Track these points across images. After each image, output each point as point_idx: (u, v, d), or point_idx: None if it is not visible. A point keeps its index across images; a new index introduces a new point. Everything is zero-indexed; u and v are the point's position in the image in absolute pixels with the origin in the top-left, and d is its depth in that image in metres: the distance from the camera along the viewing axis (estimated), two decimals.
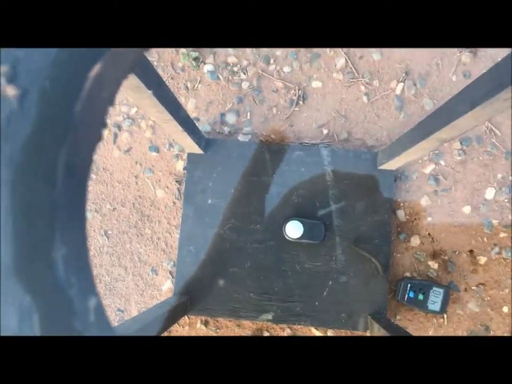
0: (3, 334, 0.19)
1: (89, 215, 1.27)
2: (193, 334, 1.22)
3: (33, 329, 0.19)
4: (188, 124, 1.02)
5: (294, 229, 1.18)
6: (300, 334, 1.20)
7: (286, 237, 1.19)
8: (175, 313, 1.06)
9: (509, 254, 1.20)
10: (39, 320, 0.19)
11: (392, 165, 1.16)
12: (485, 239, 1.21)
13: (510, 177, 1.22)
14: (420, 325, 1.19)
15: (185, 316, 1.22)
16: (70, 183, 0.21)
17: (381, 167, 1.20)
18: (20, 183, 0.19)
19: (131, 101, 1.29)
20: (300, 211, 1.21)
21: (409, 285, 1.17)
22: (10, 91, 0.20)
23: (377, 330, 1.12)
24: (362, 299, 1.18)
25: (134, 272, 1.25)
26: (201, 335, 1.22)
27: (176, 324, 1.22)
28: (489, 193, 1.22)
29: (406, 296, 1.17)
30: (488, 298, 1.19)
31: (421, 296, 1.17)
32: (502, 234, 1.21)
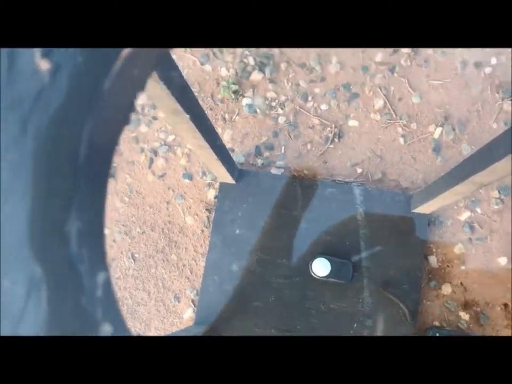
0: (6, 299, 0.19)
1: (118, 236, 1.28)
2: None
3: (40, 300, 0.18)
4: (222, 153, 1.03)
5: (321, 267, 1.16)
6: None
7: (313, 274, 1.16)
8: None
9: None
10: (47, 291, 0.19)
11: (426, 208, 1.13)
12: None
13: None
14: None
15: None
16: (93, 159, 0.21)
17: (414, 210, 1.17)
18: (43, 154, 0.19)
19: (169, 128, 1.32)
20: (328, 249, 1.19)
21: (437, 335, 1.12)
22: (44, 65, 0.20)
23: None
24: None
25: (157, 298, 1.24)
26: None
27: None
28: None
29: None
30: None
31: None
32: None
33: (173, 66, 0.63)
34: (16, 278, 0.18)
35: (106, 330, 0.21)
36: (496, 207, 1.20)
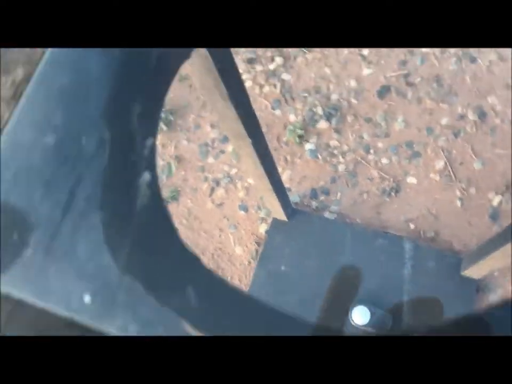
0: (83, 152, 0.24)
1: None
2: None
3: (104, 154, 0.24)
4: (279, 187, 1.09)
5: (360, 315, 1.15)
6: None
7: (352, 322, 1.16)
8: None
9: None
10: (109, 149, 0.24)
11: (476, 272, 1.11)
12: None
13: None
14: None
15: None
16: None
17: (463, 273, 1.15)
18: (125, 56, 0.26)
19: (234, 162, 1.40)
20: (369, 299, 1.18)
21: None
22: None
23: None
24: None
25: None
26: None
27: None
28: None
29: None
30: None
31: None
32: None
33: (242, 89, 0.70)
34: (90, 138, 0.24)
35: (146, 177, 0.26)
36: None
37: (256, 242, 1.32)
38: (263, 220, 1.34)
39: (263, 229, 1.33)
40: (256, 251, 1.31)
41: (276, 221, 1.29)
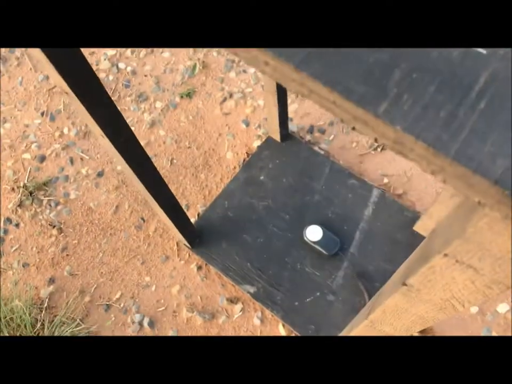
0: None
1: (169, 141, 1.49)
2: (184, 270, 1.32)
3: None
4: (282, 112, 1.24)
5: (314, 233, 1.27)
6: (266, 326, 1.25)
7: (304, 237, 1.28)
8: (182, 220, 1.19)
9: None
10: None
11: (424, 229, 1.23)
12: None
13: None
14: None
15: (188, 252, 1.34)
16: None
17: (415, 228, 1.27)
18: None
19: (252, 82, 1.53)
20: (327, 223, 1.30)
21: None
22: None
23: None
24: (335, 325, 1.20)
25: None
26: (191, 276, 1.31)
27: (177, 255, 1.34)
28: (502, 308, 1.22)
29: None
30: None
31: None
32: None
33: None
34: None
35: None
36: None
37: (246, 153, 1.45)
38: (259, 137, 1.47)
39: (256, 144, 1.46)
40: (244, 160, 1.44)
41: (269, 139, 1.42)
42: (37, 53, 0.58)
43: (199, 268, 1.33)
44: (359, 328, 0.64)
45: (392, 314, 0.46)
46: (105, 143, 0.82)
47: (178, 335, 1.25)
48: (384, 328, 0.52)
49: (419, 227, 1.26)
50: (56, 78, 0.64)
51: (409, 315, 0.43)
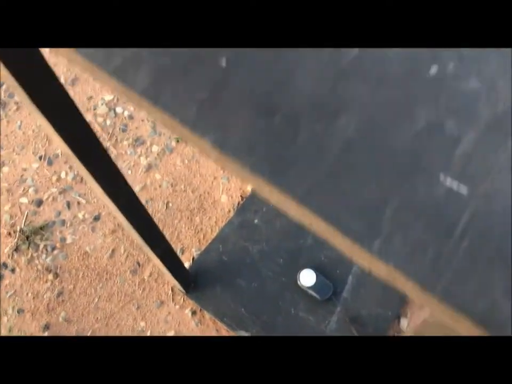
0: None
1: (164, 185, 1.51)
2: (179, 316, 1.33)
3: None
4: None
5: (307, 277, 1.30)
6: None
7: (298, 281, 1.30)
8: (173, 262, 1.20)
9: None
10: None
11: None
12: None
13: None
14: None
15: (183, 297, 1.35)
16: None
17: None
18: None
19: None
20: (320, 267, 1.33)
21: None
22: None
23: None
24: None
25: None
26: (186, 321, 1.33)
27: (171, 299, 1.35)
28: None
29: None
30: None
31: None
32: None
33: None
34: None
35: None
36: None
37: (241, 196, 1.48)
38: None
39: (250, 187, 1.49)
40: (239, 204, 1.47)
41: None
42: (40, 120, 0.60)
43: (194, 312, 1.34)
44: None
45: None
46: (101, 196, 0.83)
47: None
48: None
49: None
50: (63, 148, 0.66)
51: None
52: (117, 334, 1.32)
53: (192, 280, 1.32)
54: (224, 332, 1.31)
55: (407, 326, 1.28)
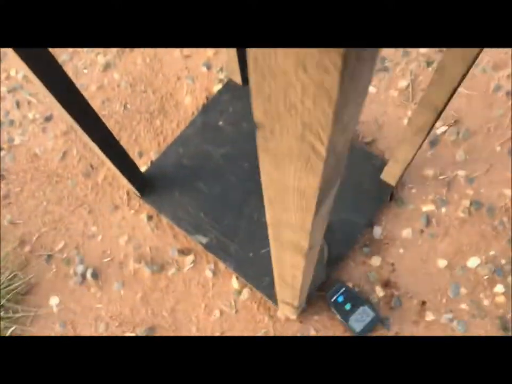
0: None
1: (123, 84, 1.38)
2: (134, 221, 1.23)
3: None
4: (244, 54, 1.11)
5: None
6: (219, 279, 1.16)
7: None
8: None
9: (459, 328, 1.08)
10: None
11: (391, 178, 1.14)
12: (444, 300, 1.10)
13: (502, 261, 1.13)
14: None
15: (139, 202, 1.24)
16: None
17: (382, 177, 1.17)
18: None
19: None
20: None
21: (343, 289, 1.09)
22: None
23: (286, 311, 1.05)
24: None
25: (125, 146, 1.31)
26: (141, 226, 1.22)
27: (126, 204, 1.24)
28: (473, 262, 1.13)
29: (334, 298, 1.09)
30: None
31: (348, 306, 1.08)
32: (462, 305, 1.10)
33: None
34: None
35: None
36: (462, 215, 1.17)
37: (206, 98, 1.35)
38: (221, 81, 1.36)
39: (217, 89, 1.35)
40: (203, 106, 1.34)
41: (230, 83, 1.31)
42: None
43: (150, 217, 1.23)
44: (272, 246, 0.55)
45: (273, 195, 0.37)
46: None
47: (124, 287, 1.16)
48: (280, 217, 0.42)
49: (386, 175, 1.16)
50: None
51: (282, 186, 0.33)
52: (66, 238, 1.22)
53: (147, 184, 1.21)
54: (182, 237, 1.21)
55: (380, 235, 1.17)
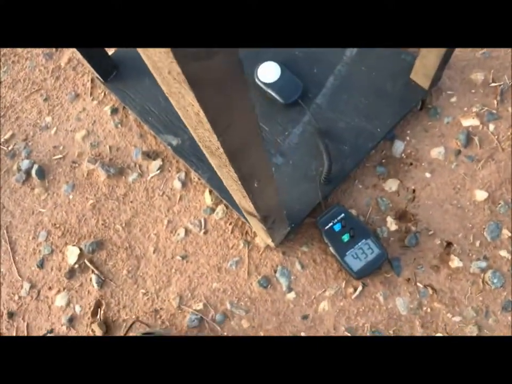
0: None
1: None
2: (96, 113, 1.00)
3: None
4: None
5: (269, 72, 0.91)
6: (189, 192, 0.92)
7: (255, 79, 0.92)
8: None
9: (495, 281, 0.80)
10: None
11: (425, 76, 0.84)
12: (478, 243, 0.83)
13: None
14: (319, 277, 0.84)
15: (104, 92, 1.01)
16: None
17: (412, 77, 0.88)
18: None
19: None
20: (290, 63, 0.93)
21: (343, 215, 0.83)
22: None
23: (262, 234, 0.81)
24: (280, 195, 0.86)
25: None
26: (103, 120, 0.99)
27: (89, 93, 1.01)
28: None
29: (329, 225, 0.83)
30: (428, 310, 0.81)
31: (346, 237, 0.82)
32: (501, 252, 0.82)
33: None
34: None
35: None
36: None
37: None
38: None
39: None
40: None
41: None
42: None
43: (115, 111, 1.00)
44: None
45: None
46: None
47: (74, 191, 0.95)
48: None
49: (417, 74, 0.87)
50: None
51: None
52: (15, 128, 1.00)
53: (114, 67, 0.97)
54: (151, 138, 0.97)
55: (402, 153, 0.89)
